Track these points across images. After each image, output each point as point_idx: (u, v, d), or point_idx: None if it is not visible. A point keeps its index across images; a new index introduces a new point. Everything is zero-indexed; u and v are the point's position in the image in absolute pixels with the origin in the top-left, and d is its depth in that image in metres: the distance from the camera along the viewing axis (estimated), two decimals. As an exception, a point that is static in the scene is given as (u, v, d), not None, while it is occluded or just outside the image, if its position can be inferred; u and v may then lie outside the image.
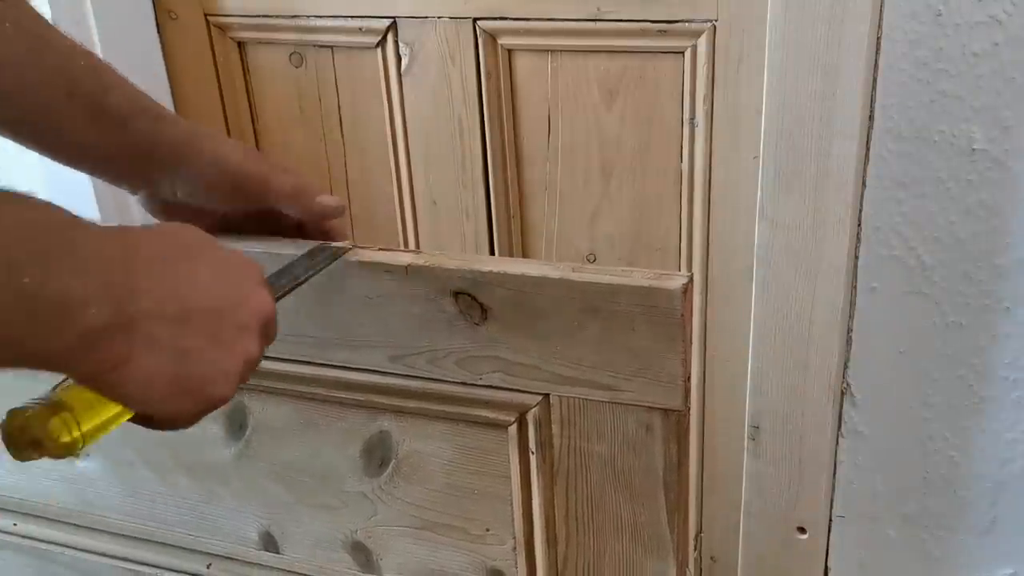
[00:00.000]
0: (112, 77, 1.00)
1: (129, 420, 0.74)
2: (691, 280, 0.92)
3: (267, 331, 0.83)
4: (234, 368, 0.77)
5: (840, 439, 1.65)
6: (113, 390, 0.71)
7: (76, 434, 0.70)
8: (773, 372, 1.60)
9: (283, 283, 0.93)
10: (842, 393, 1.61)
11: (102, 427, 0.72)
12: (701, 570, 1.98)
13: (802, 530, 1.71)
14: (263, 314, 0.81)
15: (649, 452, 0.98)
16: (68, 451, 0.71)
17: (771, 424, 1.64)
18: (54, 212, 0.68)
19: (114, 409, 0.72)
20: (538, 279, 0.94)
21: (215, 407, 0.77)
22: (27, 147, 0.99)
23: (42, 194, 0.68)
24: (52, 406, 0.71)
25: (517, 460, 1.04)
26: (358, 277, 1.00)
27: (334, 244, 1.01)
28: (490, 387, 1.01)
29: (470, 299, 0.96)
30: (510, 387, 1.00)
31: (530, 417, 1.01)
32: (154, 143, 1.00)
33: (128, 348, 0.69)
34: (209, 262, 0.79)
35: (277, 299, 0.89)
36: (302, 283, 0.95)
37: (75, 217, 0.69)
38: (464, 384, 1.02)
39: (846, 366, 1.59)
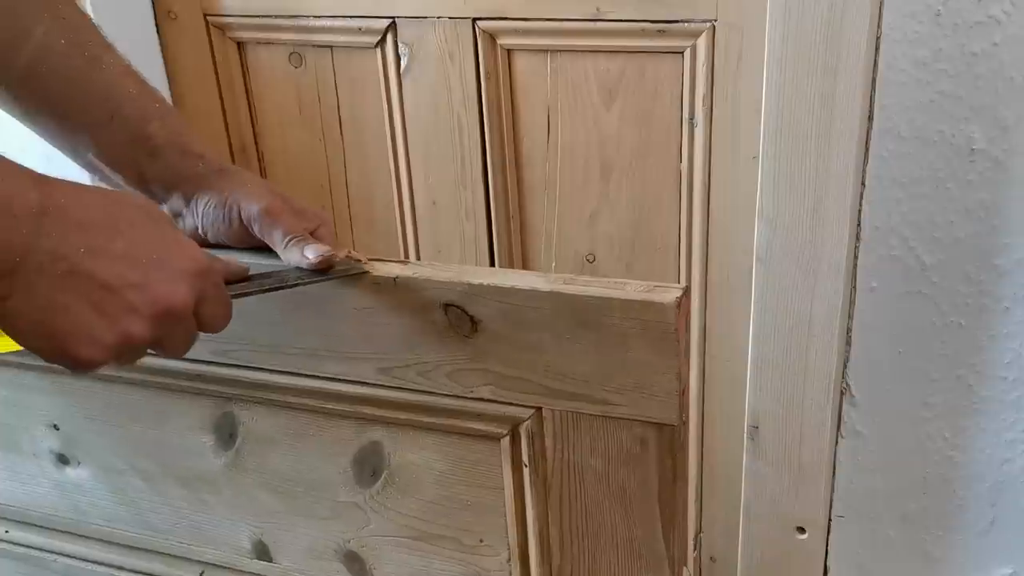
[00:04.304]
0: (157, 106, 1.05)
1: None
2: (686, 292, 0.91)
3: (170, 322, 0.85)
4: (108, 339, 0.81)
5: (840, 439, 1.64)
6: None
7: None
8: (773, 372, 1.59)
9: (258, 284, 0.95)
10: (841, 393, 1.61)
11: None
12: (701, 570, 1.98)
13: (802, 530, 1.71)
14: (160, 304, 0.83)
15: (644, 467, 0.97)
16: None
17: (771, 424, 1.63)
18: None
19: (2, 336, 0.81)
20: (528, 292, 0.93)
21: (83, 364, 0.82)
22: (64, 154, 1.05)
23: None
24: None
25: (510, 472, 1.04)
26: (347, 288, 0.99)
27: (346, 263, 1.00)
28: (481, 400, 1.01)
29: (460, 311, 0.96)
30: (502, 400, 1.00)
31: (523, 430, 1.01)
32: (182, 177, 1.04)
33: (9, 290, 0.77)
34: (131, 238, 0.83)
35: (240, 295, 0.93)
36: (283, 288, 0.97)
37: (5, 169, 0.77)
38: (455, 396, 1.02)
39: (845, 366, 1.58)
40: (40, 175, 0.79)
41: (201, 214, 1.03)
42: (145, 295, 0.82)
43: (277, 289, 0.96)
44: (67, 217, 0.78)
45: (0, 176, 0.76)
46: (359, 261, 1.00)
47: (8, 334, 0.80)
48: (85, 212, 0.80)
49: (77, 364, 0.82)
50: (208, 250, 0.91)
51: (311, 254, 0.97)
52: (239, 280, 0.95)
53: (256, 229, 1.01)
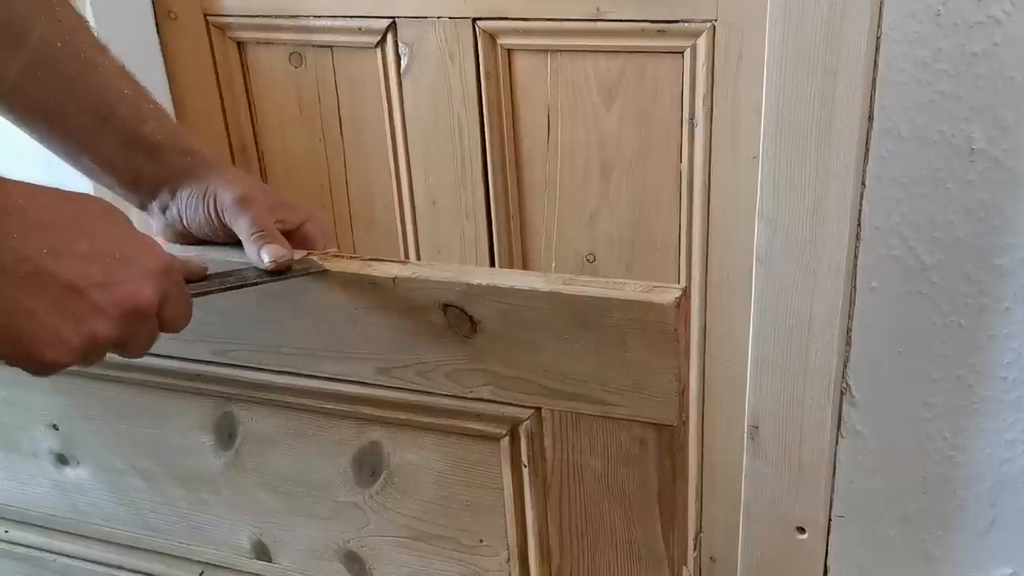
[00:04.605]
0: (151, 107, 1.05)
1: None
2: (686, 292, 0.90)
3: (136, 321, 0.84)
4: (75, 340, 0.81)
5: (840, 439, 1.64)
6: None
7: None
8: (773, 372, 1.59)
9: (218, 282, 0.95)
10: (841, 393, 1.60)
11: None
12: (701, 570, 1.98)
13: (802, 530, 1.71)
14: (127, 304, 0.83)
15: (643, 467, 0.97)
16: None
17: (771, 424, 1.63)
18: None
19: None
20: (527, 292, 0.93)
21: (47, 364, 0.81)
22: (59, 156, 1.05)
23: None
24: None
25: (509, 473, 1.04)
26: (346, 288, 0.99)
27: (303, 260, 1.00)
28: (481, 400, 1.01)
29: (459, 311, 0.96)
30: (501, 400, 1.00)
31: (522, 430, 1.01)
32: (173, 173, 1.04)
33: None
34: (93, 238, 0.82)
35: (200, 294, 0.93)
36: (243, 287, 0.97)
37: None
38: (454, 397, 1.01)
39: (845, 366, 1.58)
40: (2, 178, 0.78)
41: (184, 206, 1.04)
42: (111, 295, 0.81)
43: (237, 288, 0.96)
44: (27, 218, 0.78)
45: None
46: (318, 258, 1.01)
47: None
48: (45, 213, 0.79)
49: (41, 367, 0.81)
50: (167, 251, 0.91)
51: (266, 255, 0.97)
52: (198, 279, 0.95)
53: (227, 218, 1.01)
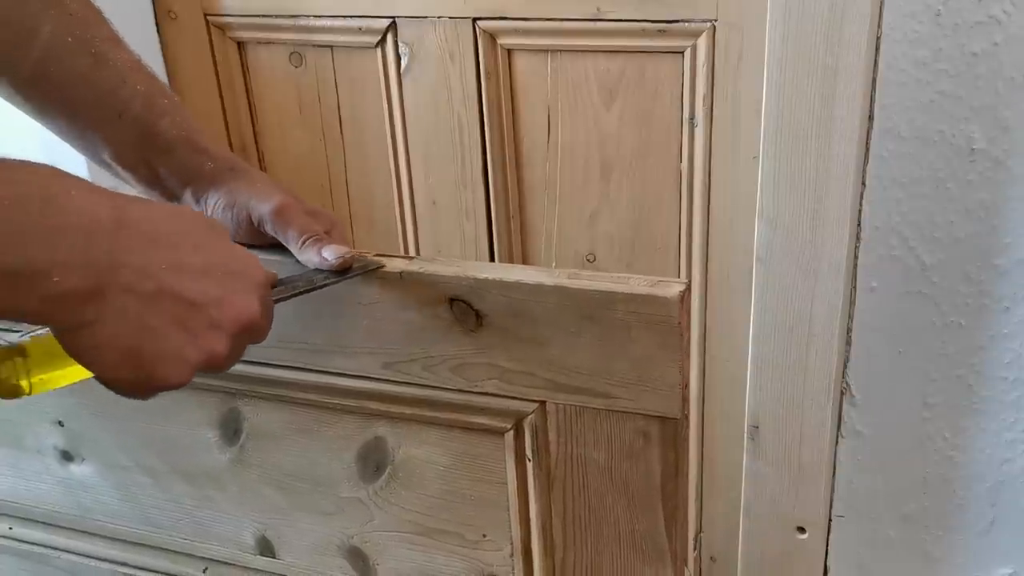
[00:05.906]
0: (165, 102, 1.03)
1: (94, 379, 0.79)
2: (688, 287, 0.91)
3: (245, 336, 0.84)
4: (194, 357, 0.80)
5: (840, 439, 1.64)
6: (70, 348, 0.75)
7: (24, 381, 0.78)
8: (773, 372, 1.60)
9: (291, 287, 0.95)
10: (841, 393, 1.61)
11: (54, 380, 0.79)
12: (701, 570, 1.98)
13: (802, 530, 1.71)
14: (242, 319, 0.82)
15: (647, 460, 0.98)
16: (13, 394, 0.78)
17: (771, 424, 1.63)
18: (41, 181, 0.71)
19: (71, 365, 0.77)
20: (533, 286, 0.93)
21: (166, 387, 0.80)
22: (80, 153, 1.04)
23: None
24: (12, 350, 0.77)
25: (513, 467, 1.04)
26: (352, 283, 0.99)
27: (363, 259, 1.00)
28: (486, 394, 1.01)
29: (465, 306, 0.96)
30: (506, 394, 1.00)
31: (526, 424, 1.01)
32: (193, 174, 1.03)
33: (96, 314, 0.73)
34: (204, 253, 0.81)
35: (279, 300, 0.92)
36: (313, 289, 0.96)
37: (67, 184, 0.73)
38: (460, 391, 1.02)
39: (845, 366, 1.58)
40: (112, 191, 0.76)
41: (210, 214, 1.03)
42: (226, 311, 0.81)
43: (308, 291, 0.96)
44: (143, 232, 0.76)
45: (75, 189, 0.73)
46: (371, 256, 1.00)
47: (88, 365, 0.76)
48: (158, 226, 0.78)
49: (157, 388, 0.79)
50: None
51: (330, 255, 0.96)
52: (273, 286, 0.94)
53: (268, 228, 1.00)
